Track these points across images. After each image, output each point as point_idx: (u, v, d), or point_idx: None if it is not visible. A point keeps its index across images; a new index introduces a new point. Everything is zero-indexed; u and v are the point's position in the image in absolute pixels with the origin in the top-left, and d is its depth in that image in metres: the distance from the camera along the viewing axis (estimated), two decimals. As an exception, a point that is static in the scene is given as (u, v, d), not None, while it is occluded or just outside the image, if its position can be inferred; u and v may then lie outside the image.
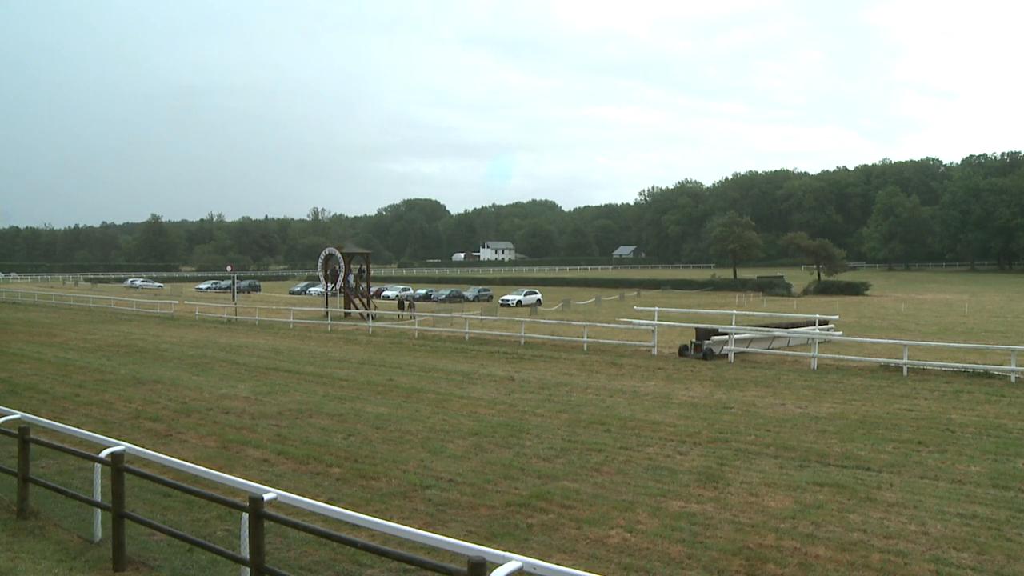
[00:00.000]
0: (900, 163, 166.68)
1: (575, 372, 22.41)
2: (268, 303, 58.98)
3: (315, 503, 7.70)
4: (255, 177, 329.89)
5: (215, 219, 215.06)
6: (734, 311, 33.22)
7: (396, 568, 7.98)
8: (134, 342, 31.21)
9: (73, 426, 12.43)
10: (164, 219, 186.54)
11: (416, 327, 36.18)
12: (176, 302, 54.52)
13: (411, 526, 7.68)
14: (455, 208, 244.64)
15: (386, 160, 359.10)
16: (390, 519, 8.12)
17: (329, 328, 37.48)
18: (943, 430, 14.40)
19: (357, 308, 44.99)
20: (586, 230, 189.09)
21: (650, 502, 10.14)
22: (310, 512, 7.75)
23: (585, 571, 5.68)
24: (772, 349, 27.04)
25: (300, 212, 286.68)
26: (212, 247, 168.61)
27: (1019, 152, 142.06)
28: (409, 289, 76.98)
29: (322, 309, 44.84)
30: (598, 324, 35.49)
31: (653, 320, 30.10)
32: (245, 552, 6.87)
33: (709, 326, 27.25)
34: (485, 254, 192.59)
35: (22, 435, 9.54)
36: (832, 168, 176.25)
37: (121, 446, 9.34)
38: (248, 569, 6.82)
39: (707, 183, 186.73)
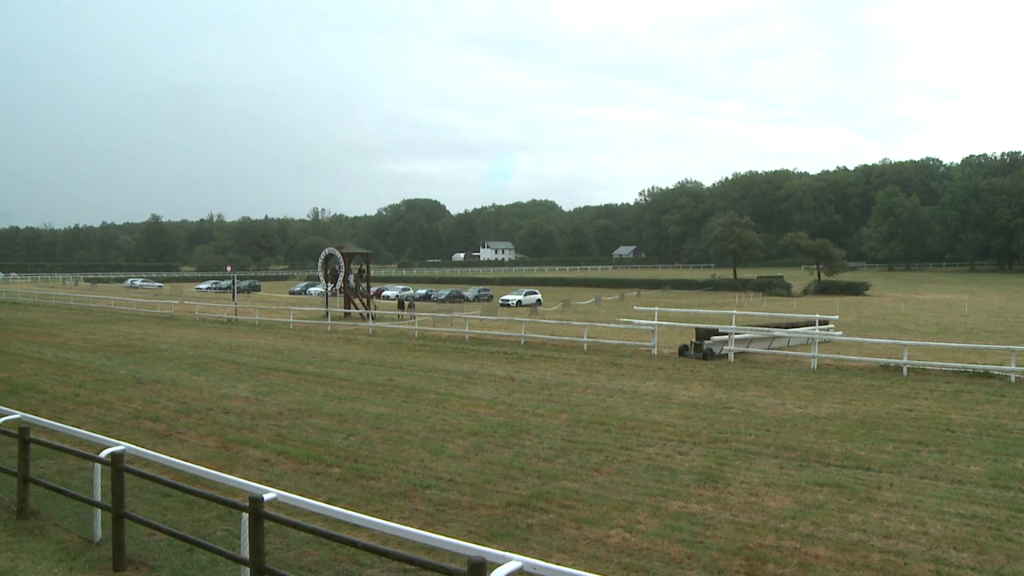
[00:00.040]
0: (900, 163, 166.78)
1: (575, 372, 22.41)
2: (268, 303, 58.98)
3: (315, 503, 7.70)
4: (255, 177, 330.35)
5: (215, 219, 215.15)
6: (734, 311, 33.23)
7: (396, 568, 7.98)
8: (134, 342, 31.21)
9: (73, 426, 12.43)
10: (164, 219, 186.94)
11: (416, 327, 36.18)
12: (176, 302, 54.52)
13: (411, 526, 7.68)
14: (455, 208, 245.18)
15: (386, 160, 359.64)
16: (390, 519, 8.11)
17: (329, 328, 37.48)
18: (943, 430, 14.40)
19: (357, 308, 44.98)
20: (586, 230, 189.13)
21: (650, 502, 10.14)
22: (310, 512, 7.75)
23: (585, 571, 5.68)
24: (772, 349, 27.04)
25: (300, 212, 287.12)
26: (212, 247, 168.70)
27: (1019, 152, 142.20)
28: (409, 289, 76.96)
29: (322, 309, 44.83)
30: (598, 324, 35.49)
31: (653, 320, 30.10)
32: (245, 552, 6.87)
33: (709, 326, 27.25)
34: (485, 254, 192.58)
35: (22, 435, 9.54)
36: (832, 168, 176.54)
37: (121, 446, 9.33)
38: (248, 569, 6.82)
39: (707, 183, 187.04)
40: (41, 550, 8.57)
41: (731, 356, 24.87)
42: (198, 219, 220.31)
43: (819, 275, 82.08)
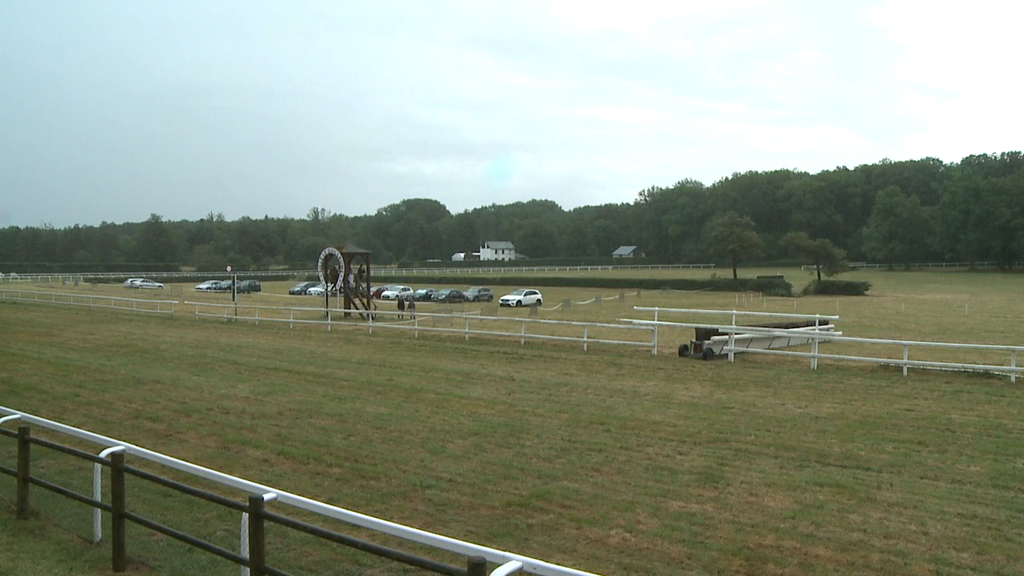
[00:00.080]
0: (900, 163, 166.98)
1: (575, 372, 22.41)
2: (268, 303, 58.99)
3: (315, 503, 7.70)
4: (255, 177, 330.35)
5: (215, 219, 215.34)
6: (734, 311, 33.24)
7: (396, 568, 7.98)
8: (134, 342, 31.21)
9: (73, 426, 12.42)
10: (164, 219, 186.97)
11: (416, 327, 36.18)
12: (176, 302, 54.51)
13: (411, 526, 7.67)
14: (455, 208, 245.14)
15: (386, 160, 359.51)
16: (390, 519, 8.11)
17: (329, 328, 37.48)
18: (943, 430, 14.40)
19: (357, 308, 44.98)
20: (586, 230, 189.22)
21: (650, 502, 10.14)
22: (310, 512, 7.75)
23: (585, 571, 5.68)
24: (772, 349, 27.04)
25: (300, 212, 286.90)
26: (212, 247, 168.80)
27: (1019, 152, 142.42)
28: (409, 289, 76.93)
29: (322, 309, 44.84)
30: (598, 324, 35.48)
31: (653, 320, 30.11)
32: (245, 552, 6.87)
33: (709, 326, 27.25)
34: (485, 254, 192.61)
35: (22, 435, 9.54)
36: (832, 168, 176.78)
37: (121, 446, 9.33)
38: (248, 569, 6.82)
39: (707, 183, 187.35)
40: (41, 550, 8.57)
41: (731, 356, 24.87)
42: (198, 219, 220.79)
43: (819, 275, 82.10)
